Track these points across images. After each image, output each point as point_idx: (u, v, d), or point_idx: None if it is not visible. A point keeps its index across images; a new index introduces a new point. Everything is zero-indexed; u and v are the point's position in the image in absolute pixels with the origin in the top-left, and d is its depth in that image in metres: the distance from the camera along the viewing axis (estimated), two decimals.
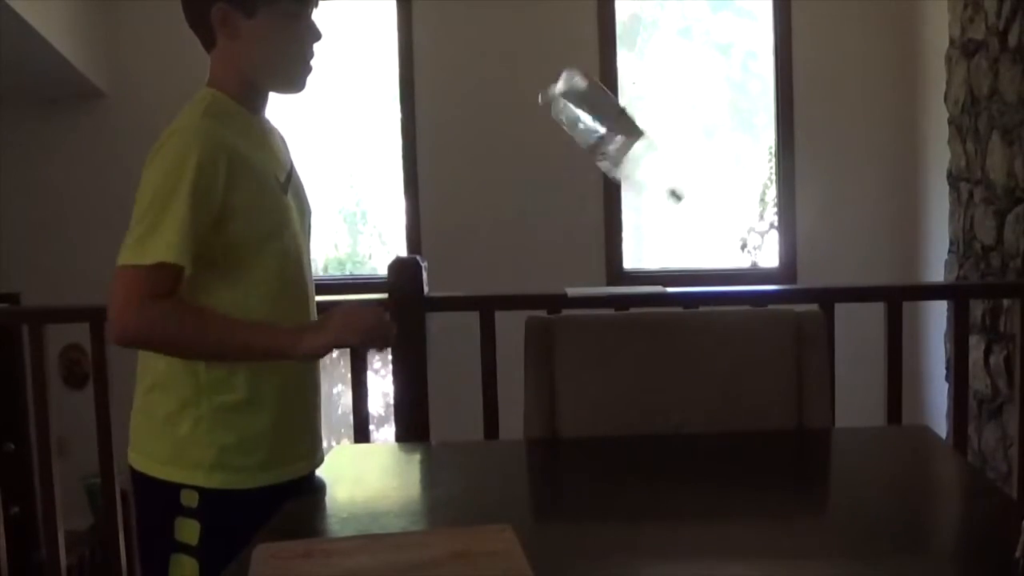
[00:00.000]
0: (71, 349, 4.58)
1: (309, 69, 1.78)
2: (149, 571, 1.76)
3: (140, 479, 1.74)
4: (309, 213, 1.88)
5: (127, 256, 1.61)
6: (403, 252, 4.77)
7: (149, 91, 4.49)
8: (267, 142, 1.79)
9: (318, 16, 1.78)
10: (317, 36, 1.77)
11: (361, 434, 2.80)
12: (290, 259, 1.75)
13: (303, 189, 1.87)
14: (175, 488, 1.69)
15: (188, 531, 1.68)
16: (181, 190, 1.59)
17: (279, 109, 1.84)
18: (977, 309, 3.39)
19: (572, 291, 2.78)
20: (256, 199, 1.69)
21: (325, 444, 1.79)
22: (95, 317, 2.73)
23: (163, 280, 1.61)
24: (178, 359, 1.69)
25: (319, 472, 1.81)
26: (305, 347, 1.66)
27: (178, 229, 1.59)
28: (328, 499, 1.75)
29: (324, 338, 1.67)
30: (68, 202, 4.75)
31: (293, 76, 1.78)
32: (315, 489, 1.75)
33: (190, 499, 1.69)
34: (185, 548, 1.69)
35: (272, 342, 1.68)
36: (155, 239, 1.59)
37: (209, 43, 1.75)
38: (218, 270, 1.67)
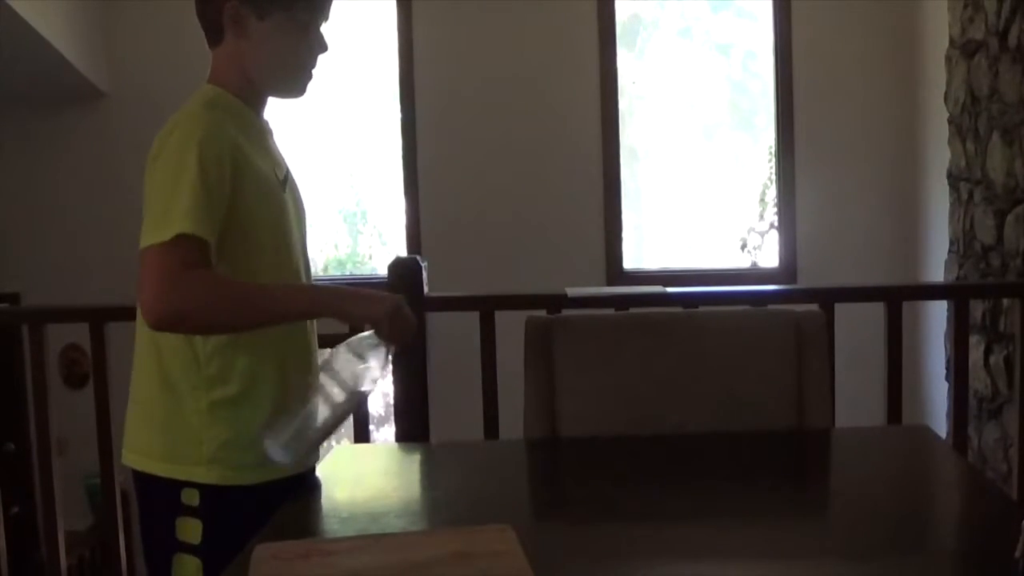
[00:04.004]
0: (71, 349, 4.58)
1: (310, 77, 1.79)
2: (152, 571, 1.76)
3: (140, 478, 1.74)
4: (304, 214, 1.90)
5: (147, 238, 1.58)
6: (403, 252, 4.76)
7: (149, 91, 4.49)
8: (266, 141, 1.81)
9: (327, 28, 1.79)
10: (323, 48, 1.78)
11: (361, 434, 2.81)
12: (284, 255, 1.75)
13: (299, 191, 1.89)
14: (176, 487, 1.69)
15: (190, 530, 1.68)
16: (189, 169, 1.58)
17: (279, 108, 1.84)
18: (977, 309, 3.39)
19: (572, 291, 2.77)
20: (256, 193, 1.69)
21: (325, 444, 1.78)
22: (95, 317, 2.73)
23: (188, 253, 1.57)
24: (177, 353, 1.67)
25: (317, 471, 1.81)
26: (360, 311, 1.69)
27: (192, 202, 1.57)
28: (328, 499, 1.74)
29: (379, 308, 1.67)
30: (68, 202, 4.75)
31: (293, 83, 1.79)
32: (311, 488, 1.75)
33: (191, 497, 1.69)
34: (187, 547, 1.68)
35: (318, 303, 1.71)
36: (171, 215, 1.57)
37: (215, 39, 1.75)
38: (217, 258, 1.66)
